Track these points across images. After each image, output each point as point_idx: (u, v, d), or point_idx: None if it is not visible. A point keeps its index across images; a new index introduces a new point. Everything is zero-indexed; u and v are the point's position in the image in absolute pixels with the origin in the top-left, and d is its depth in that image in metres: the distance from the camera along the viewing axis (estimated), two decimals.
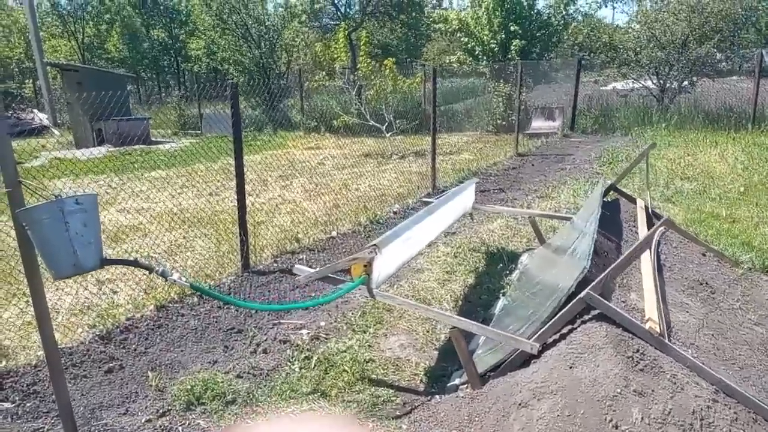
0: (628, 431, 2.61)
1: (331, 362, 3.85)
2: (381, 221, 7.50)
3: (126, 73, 24.52)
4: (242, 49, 19.66)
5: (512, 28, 15.84)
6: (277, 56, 20.18)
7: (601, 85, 17.61)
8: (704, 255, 4.90)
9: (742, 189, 7.93)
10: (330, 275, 3.53)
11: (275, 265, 5.98)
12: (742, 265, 4.72)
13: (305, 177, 10.55)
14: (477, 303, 4.74)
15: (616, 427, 2.63)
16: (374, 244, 3.40)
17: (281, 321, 4.55)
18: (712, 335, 3.48)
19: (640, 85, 15.87)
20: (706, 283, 4.24)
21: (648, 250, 3.45)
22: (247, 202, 8.88)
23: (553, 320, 3.09)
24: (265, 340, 4.22)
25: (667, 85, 15.27)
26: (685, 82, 15.02)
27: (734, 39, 13.94)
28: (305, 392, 3.55)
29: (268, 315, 4.69)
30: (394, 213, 7.90)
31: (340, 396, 3.53)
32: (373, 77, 12.61)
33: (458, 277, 5.31)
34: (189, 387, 3.50)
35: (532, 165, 11.02)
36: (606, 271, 2.95)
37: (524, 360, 3.23)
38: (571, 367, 2.92)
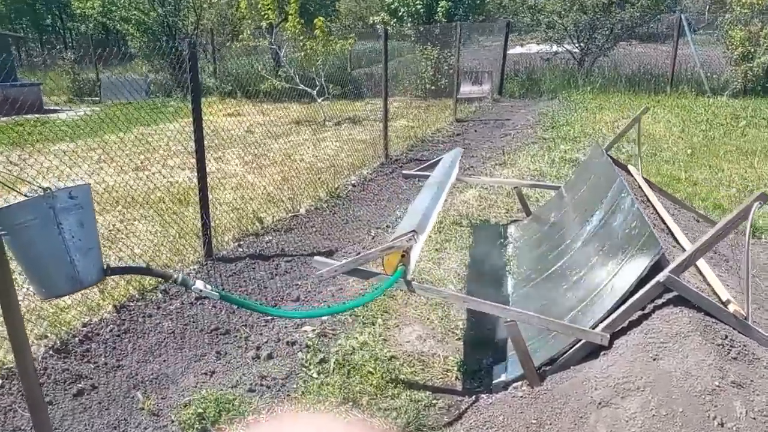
0: (735, 428, 2.38)
1: (351, 363, 3.39)
2: (342, 195, 6.98)
3: (10, 33, 21.78)
4: (144, 6, 17.89)
5: None
6: (184, 15, 18.58)
7: (514, 47, 17.68)
8: (698, 221, 4.85)
9: (689, 151, 8.12)
10: (359, 268, 3.03)
11: (240, 249, 5.35)
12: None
13: (238, 147, 9.73)
14: (483, 282, 4.41)
15: (722, 425, 2.39)
16: (413, 230, 2.94)
17: (273, 318, 4.00)
18: (758, 308, 3.35)
19: (564, 49, 16.09)
20: (717, 252, 4.15)
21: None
22: (184, 177, 8.07)
23: (624, 307, 2.81)
24: (266, 342, 3.66)
25: (590, 48, 15.58)
26: (607, 46, 15.38)
27: (656, 3, 14.35)
28: (334, 403, 3.08)
29: (256, 314, 4.11)
30: (353, 186, 7.40)
31: (374, 404, 3.09)
32: (302, 38, 11.79)
33: (450, 254, 4.96)
34: (200, 411, 2.92)
35: (475, 131, 10.82)
36: (690, 251, 2.69)
37: (588, 352, 2.94)
38: (655, 359, 2.65)
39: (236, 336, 3.82)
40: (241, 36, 14.70)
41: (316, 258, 3.15)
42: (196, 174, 5.12)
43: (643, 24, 15.23)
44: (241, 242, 5.51)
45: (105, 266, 2.20)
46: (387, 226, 5.77)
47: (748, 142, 8.60)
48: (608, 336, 2.83)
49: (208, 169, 5.15)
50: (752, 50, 12.97)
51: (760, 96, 12.78)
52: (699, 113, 11.17)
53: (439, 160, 5.40)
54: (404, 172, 5.57)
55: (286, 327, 3.83)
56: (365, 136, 10.34)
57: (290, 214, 6.20)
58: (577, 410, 2.71)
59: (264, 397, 3.13)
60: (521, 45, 17.13)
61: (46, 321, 3.94)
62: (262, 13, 12.61)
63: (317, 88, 12.60)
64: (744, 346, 2.62)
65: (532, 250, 4.55)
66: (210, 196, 5.16)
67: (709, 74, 13.83)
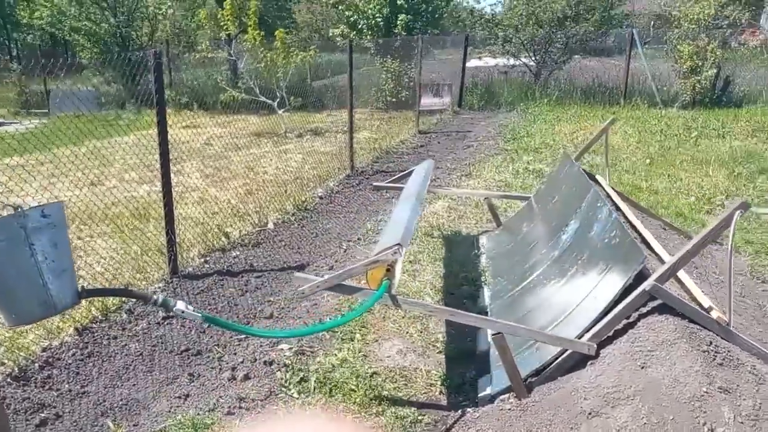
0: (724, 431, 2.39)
1: (332, 381, 3.29)
2: (309, 208, 6.87)
3: None
4: (95, 17, 17.39)
5: (398, 2, 15.54)
6: (137, 26, 18.15)
7: (470, 60, 17.88)
8: (664, 229, 4.96)
9: (648, 161, 8.34)
10: (342, 284, 2.95)
11: (207, 266, 5.18)
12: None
13: (197, 160, 9.50)
14: (459, 294, 4.38)
15: (712, 431, 2.40)
16: (398, 243, 2.88)
17: (246, 336, 3.86)
18: (735, 313, 3.41)
19: (521, 62, 16.40)
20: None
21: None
22: (143, 192, 7.80)
23: (610, 316, 2.81)
24: (242, 362, 3.53)
25: (545, 61, 15.92)
26: (562, 59, 15.75)
27: (607, 18, 14.78)
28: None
29: (228, 333, 3.96)
30: (320, 198, 7.30)
31: (358, 422, 3.00)
32: (262, 49, 11.64)
33: (425, 266, 4.92)
34: None
35: (438, 143, 10.88)
36: (674, 260, 2.71)
37: (575, 362, 2.92)
38: (643, 367, 2.66)
39: (209, 356, 3.67)
40: (199, 47, 14.43)
41: (296, 274, 3.05)
42: (159, 188, 4.94)
43: (595, 38, 15.66)
44: (208, 258, 5.34)
45: (80, 289, 2.05)
46: (358, 239, 5.69)
47: (701, 152, 8.90)
48: (595, 346, 2.82)
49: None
50: (700, 64, 13.48)
51: (708, 108, 13.27)
52: (653, 124, 11.52)
53: (411, 172, 5.37)
54: (375, 183, 5.52)
55: (261, 346, 3.70)
56: (328, 148, 10.26)
57: (257, 228, 6.06)
58: (567, 421, 2.69)
59: (244, 419, 3.00)
60: (479, 58, 17.40)
61: (2, 346, 3.70)
62: (222, 24, 12.40)
63: (278, 99, 12.46)
64: (728, 351, 2.65)
65: (506, 260, 4.55)
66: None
67: (659, 87, 14.31)
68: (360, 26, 16.80)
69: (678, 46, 13.97)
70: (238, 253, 5.47)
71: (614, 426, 2.55)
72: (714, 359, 2.61)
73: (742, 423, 2.43)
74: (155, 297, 2.20)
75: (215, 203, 6.89)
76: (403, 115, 14.04)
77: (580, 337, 2.91)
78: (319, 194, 7.45)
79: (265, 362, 3.47)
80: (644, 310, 2.84)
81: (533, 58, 16.25)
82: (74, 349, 3.76)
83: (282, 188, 7.43)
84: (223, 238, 5.72)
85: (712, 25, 13.73)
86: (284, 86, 12.40)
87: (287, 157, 9.81)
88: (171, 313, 2.29)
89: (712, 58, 13.43)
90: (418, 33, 16.54)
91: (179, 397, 3.23)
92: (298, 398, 3.17)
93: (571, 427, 2.66)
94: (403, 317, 4.05)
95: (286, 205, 6.84)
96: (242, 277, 4.94)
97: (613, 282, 2.92)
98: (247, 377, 3.36)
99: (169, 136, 4.92)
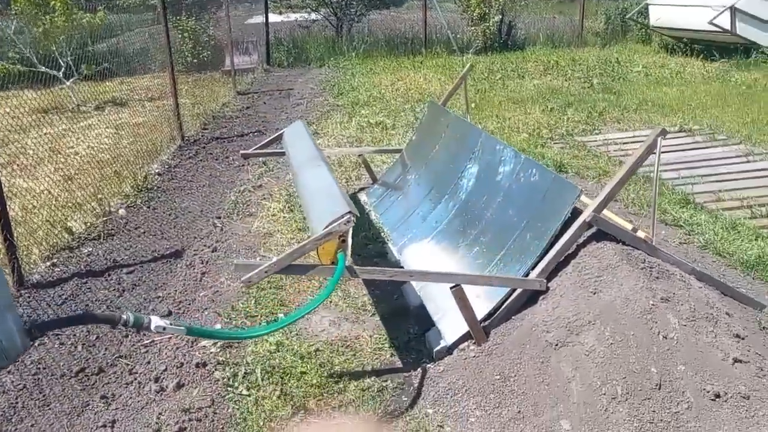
0: (674, 336, 2.70)
1: (279, 368, 3.04)
2: (152, 187, 6.13)
3: None
4: None
5: None
6: None
7: (253, 16, 17.27)
8: None
9: (473, 105, 8.88)
10: (293, 264, 2.67)
11: (57, 269, 4.38)
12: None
13: None
14: (367, 254, 4.28)
15: (666, 337, 2.70)
16: (349, 211, 2.68)
17: (153, 341, 3.36)
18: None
19: (321, 17, 16.23)
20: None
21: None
22: None
23: (555, 250, 2.96)
24: (165, 369, 3.06)
25: (345, 15, 15.96)
26: (360, 12, 15.92)
27: None
28: (285, 417, 2.72)
29: (127, 339, 3.40)
30: (159, 175, 6.54)
31: (324, 403, 2.82)
32: (36, 12, 9.87)
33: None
34: None
35: (264, 103, 10.38)
36: (608, 189, 2.92)
37: (525, 300, 3.05)
38: (595, 293, 2.87)
39: (115, 372, 3.13)
40: None
41: (237, 262, 2.70)
42: None
43: None
44: (54, 260, 4.50)
45: (27, 326, 1.55)
46: (228, 214, 5.23)
47: (512, 92, 9.75)
48: (545, 281, 2.96)
49: None
50: (487, 11, 14.61)
51: (498, 52, 14.50)
52: (458, 70, 12.25)
53: (279, 136, 5.05)
54: (243, 152, 5.08)
55: (178, 348, 3.25)
56: (140, 119, 9.19)
57: (102, 218, 5.24)
58: (536, 356, 2.81)
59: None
60: (280, 13, 16.81)
61: None
62: None
63: (62, 69, 10.78)
64: (659, 265, 2.96)
65: (400, 213, 4.54)
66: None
67: (454, 35, 15.23)
68: None
69: None
70: (90, 248, 4.69)
71: (582, 351, 2.73)
72: (651, 274, 2.90)
73: (685, 325, 2.75)
74: (124, 317, 1.75)
75: (32, 196, 5.80)
76: (209, 77, 13.08)
77: (526, 275, 3.03)
78: (157, 171, 6.68)
79: (196, 365, 3.05)
80: (581, 240, 3.04)
81: (333, 12, 16.18)
82: None
83: (107, 169, 6.50)
84: (66, 234, 4.86)
85: None
86: (69, 54, 10.73)
87: (96, 133, 8.60)
88: (149, 333, 1.84)
89: (497, 5, 14.63)
90: None
91: (103, 427, 2.71)
92: (249, 395, 2.86)
93: (541, 360, 2.79)
94: (318, 288, 3.86)
95: (124, 187, 6.02)
96: (109, 275, 4.26)
97: (550, 217, 3.06)
98: (180, 385, 2.93)
99: None
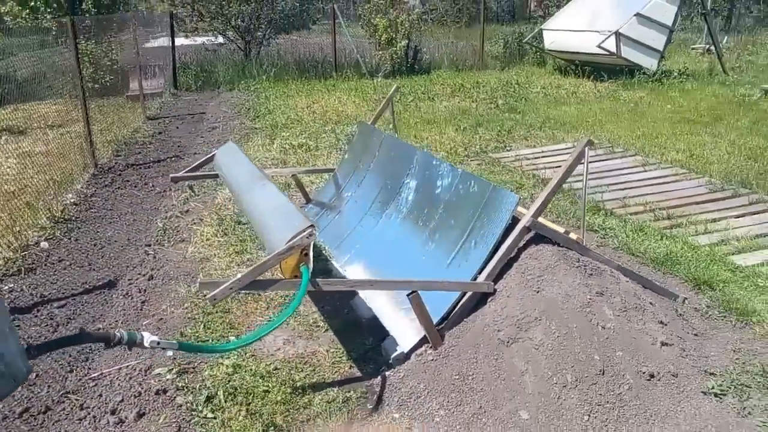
0: (610, 326, 3.01)
1: (240, 390, 3.04)
2: (69, 218, 5.85)
3: None
4: None
5: None
6: None
7: (155, 40, 16.85)
8: None
9: (391, 126, 9.16)
10: (257, 279, 2.71)
11: None
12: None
13: None
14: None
15: (603, 327, 2.99)
16: (310, 225, 2.77)
17: (102, 373, 3.24)
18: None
19: (229, 40, 16.09)
20: None
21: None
22: None
23: (499, 254, 3.19)
24: (121, 401, 2.97)
25: (254, 38, 15.94)
26: (269, 36, 15.96)
27: None
28: None
29: (72, 374, 3.26)
30: (75, 204, 6.25)
31: (292, 418, 2.86)
32: None
33: (253, 252, 4.71)
34: None
35: (177, 127, 10.13)
36: (543, 196, 3.19)
37: (474, 303, 3.25)
38: (538, 291, 3.12)
39: (64, 408, 3.00)
40: None
41: (201, 280, 2.70)
42: None
43: (299, 14, 16.25)
44: None
45: (26, 346, 1.53)
46: (158, 241, 5.10)
47: (426, 113, 10.14)
48: (493, 284, 3.18)
49: None
50: (393, 36, 15.12)
51: (406, 75, 15.01)
52: (369, 92, 12.58)
53: (211, 158, 5.01)
54: (173, 175, 4.96)
55: (131, 377, 3.16)
56: (43, 147, 8.71)
57: (20, 253, 4.94)
58: (490, 354, 3.01)
59: None
60: (186, 36, 16.47)
61: None
62: None
63: None
64: (591, 263, 3.27)
65: (339, 230, 4.64)
66: None
67: (364, 59, 15.61)
68: (34, 3, 14.38)
69: (372, 20, 15.41)
70: (12, 284, 4.42)
71: (532, 346, 2.96)
72: (586, 271, 3.19)
73: (618, 315, 3.06)
74: (118, 335, 1.74)
75: None
76: (113, 103, 12.60)
77: (474, 279, 3.23)
78: (72, 200, 6.37)
79: (156, 392, 2.99)
80: (521, 244, 3.30)
81: (240, 36, 16.10)
82: None
83: (17, 200, 6.12)
84: None
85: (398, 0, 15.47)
86: None
87: None
88: (143, 349, 1.82)
89: (403, 30, 15.19)
90: (105, 11, 15.00)
91: None
92: (215, 417, 2.84)
93: (495, 357, 2.99)
94: (266, 308, 3.88)
95: (39, 219, 5.69)
96: (38, 311, 4.05)
97: (491, 225, 3.29)
98: (140, 414, 2.86)
99: None
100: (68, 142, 8.94)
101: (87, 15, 14.09)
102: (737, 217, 5.12)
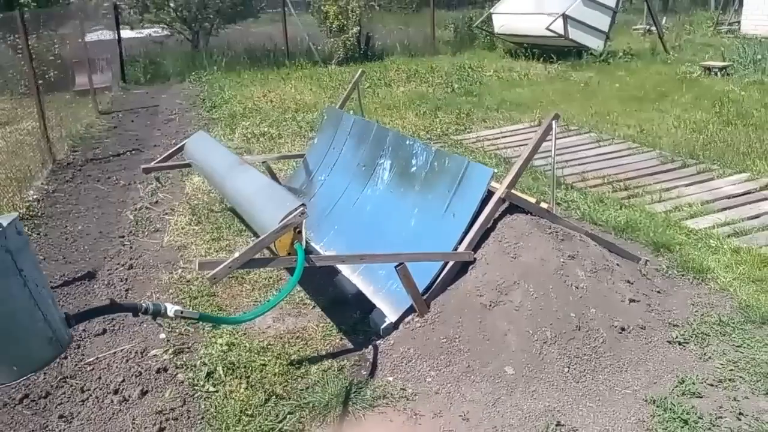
0: (583, 286, 3.25)
1: (238, 365, 3.14)
2: (34, 214, 5.74)
3: None
4: None
5: None
6: None
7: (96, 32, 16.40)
8: None
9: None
10: (255, 258, 2.81)
11: None
12: None
13: None
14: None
15: (577, 287, 3.24)
16: (302, 204, 2.89)
17: (98, 358, 3.29)
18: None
19: (176, 31, 15.80)
20: None
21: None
22: None
23: (478, 224, 3.38)
24: (122, 381, 3.03)
25: (201, 29, 15.70)
26: (216, 26, 15.77)
27: None
28: (257, 403, 2.85)
29: (67, 360, 3.29)
30: (38, 201, 6.13)
31: (292, 388, 2.99)
32: None
33: (233, 239, 4.78)
34: None
35: (132, 121, 9.95)
36: (515, 169, 3.39)
37: (456, 272, 3.43)
38: (515, 258, 3.33)
39: (65, 392, 3.04)
40: None
41: (200, 260, 2.79)
42: None
43: (248, 2, 16.09)
44: None
45: (66, 313, 1.61)
46: (131, 232, 5.10)
47: (384, 99, 10.27)
48: (473, 253, 3.37)
49: None
50: (345, 23, 15.14)
51: (359, 62, 15.07)
52: (326, 80, 12.61)
53: (180, 149, 5.04)
54: (144, 166, 4.96)
55: (128, 360, 3.22)
56: None
57: None
58: (475, 317, 3.21)
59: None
60: (130, 28, 16.05)
61: None
62: None
63: None
64: (561, 230, 3.50)
65: (317, 212, 4.73)
66: None
67: (316, 46, 15.59)
68: None
69: (323, 8, 15.39)
70: None
71: (513, 307, 3.17)
72: (558, 237, 3.42)
73: (590, 276, 3.31)
74: (144, 305, 1.83)
75: None
76: (58, 98, 12.23)
77: (455, 249, 3.42)
78: (34, 197, 6.24)
79: (157, 370, 3.06)
80: (497, 215, 3.50)
81: (188, 26, 15.83)
82: None
83: None
84: None
85: None
86: None
87: None
88: (167, 319, 1.90)
89: (354, 17, 15.22)
90: (42, 5, 14.53)
91: None
92: (217, 390, 2.94)
93: (479, 320, 3.19)
94: (251, 290, 3.98)
95: None
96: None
97: (467, 197, 3.47)
98: (144, 392, 2.93)
99: None
100: (20, 139, 8.71)
101: (26, 9, 13.58)
102: (687, 185, 5.48)
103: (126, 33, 15.61)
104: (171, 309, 1.91)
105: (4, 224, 1.36)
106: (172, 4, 15.18)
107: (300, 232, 2.91)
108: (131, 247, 4.79)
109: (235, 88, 12.05)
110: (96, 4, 15.89)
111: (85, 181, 6.78)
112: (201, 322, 3.11)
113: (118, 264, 4.50)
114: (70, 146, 8.33)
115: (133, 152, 7.88)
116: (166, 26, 16.01)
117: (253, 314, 2.80)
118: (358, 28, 15.48)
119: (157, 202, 5.81)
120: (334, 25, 15.21)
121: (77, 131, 9.12)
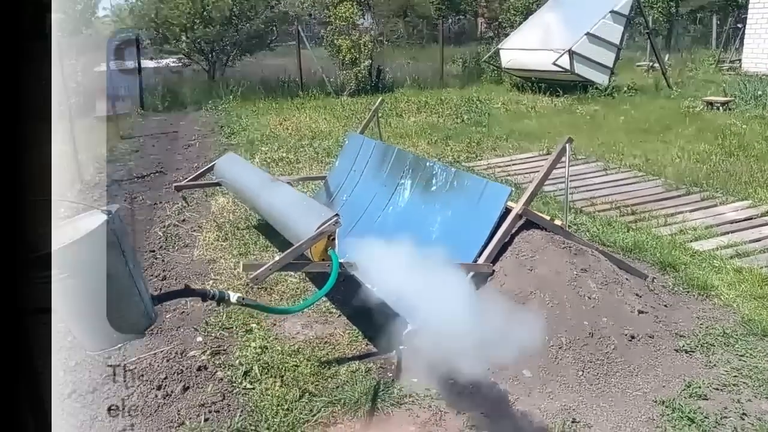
0: (595, 296, 3.48)
1: (272, 365, 3.36)
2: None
3: None
4: None
5: None
6: None
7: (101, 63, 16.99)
8: None
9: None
10: (292, 262, 3.06)
11: None
12: None
13: None
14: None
15: (589, 298, 3.46)
16: (336, 213, 3.15)
17: (139, 358, 3.51)
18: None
19: (193, 61, 16.33)
20: None
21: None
22: None
23: (496, 238, 3.62)
24: (165, 378, 3.25)
25: (219, 59, 16.22)
26: (235, 57, 16.28)
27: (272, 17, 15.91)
28: (292, 398, 3.07)
29: (105, 359, 3.52)
30: (68, 217, 6.39)
31: (323, 387, 3.20)
32: None
33: (256, 253, 5.03)
34: None
35: (153, 146, 10.32)
36: (532, 187, 3.65)
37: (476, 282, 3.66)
38: (532, 270, 3.57)
39: (110, 388, 3.25)
40: None
41: (244, 262, 3.05)
42: None
43: (263, 35, 16.64)
44: None
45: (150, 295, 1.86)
46: (163, 248, 5.35)
47: (397, 128, 10.63)
48: (492, 265, 3.61)
49: None
50: (357, 56, 15.64)
51: (370, 94, 15.52)
52: (338, 110, 13.01)
53: (210, 168, 5.33)
54: (177, 184, 5.26)
55: (168, 360, 3.44)
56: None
57: None
58: None
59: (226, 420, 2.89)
60: (151, 58, 16.63)
61: None
62: None
63: None
64: (574, 245, 3.74)
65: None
66: None
67: (329, 78, 16.07)
68: None
69: (335, 41, 15.92)
70: None
71: (530, 316, 3.39)
72: (571, 252, 3.66)
73: (601, 288, 3.53)
74: (212, 292, 2.08)
75: None
76: (83, 123, 12.68)
77: (475, 261, 3.66)
78: (65, 215, 6.51)
79: (198, 368, 3.28)
80: (513, 230, 3.74)
81: (204, 58, 16.36)
82: None
83: None
84: None
85: (354, 25, 16.03)
86: None
87: None
88: (230, 305, 2.14)
89: (366, 51, 15.73)
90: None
91: (123, 430, 2.87)
92: (255, 387, 3.16)
93: None
94: (279, 299, 4.20)
95: None
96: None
97: (486, 214, 3.73)
98: (186, 388, 3.15)
99: None
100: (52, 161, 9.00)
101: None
102: (691, 211, 5.73)
103: (145, 63, 16.15)
104: (234, 296, 2.16)
105: (112, 211, 1.60)
106: (189, 36, 15.72)
107: (334, 239, 3.15)
108: (163, 260, 5.04)
109: (252, 117, 12.45)
110: (113, 33, 16.51)
111: (112, 200, 7.07)
112: (256, 311, 3.40)
113: (152, 275, 4.74)
114: (96, 168, 8.66)
115: (157, 174, 8.20)
116: (183, 56, 16.55)
117: (299, 307, 3.08)
118: (370, 61, 15.98)
119: (184, 220, 6.08)
120: (346, 58, 15.71)
121: (101, 154, 9.45)
